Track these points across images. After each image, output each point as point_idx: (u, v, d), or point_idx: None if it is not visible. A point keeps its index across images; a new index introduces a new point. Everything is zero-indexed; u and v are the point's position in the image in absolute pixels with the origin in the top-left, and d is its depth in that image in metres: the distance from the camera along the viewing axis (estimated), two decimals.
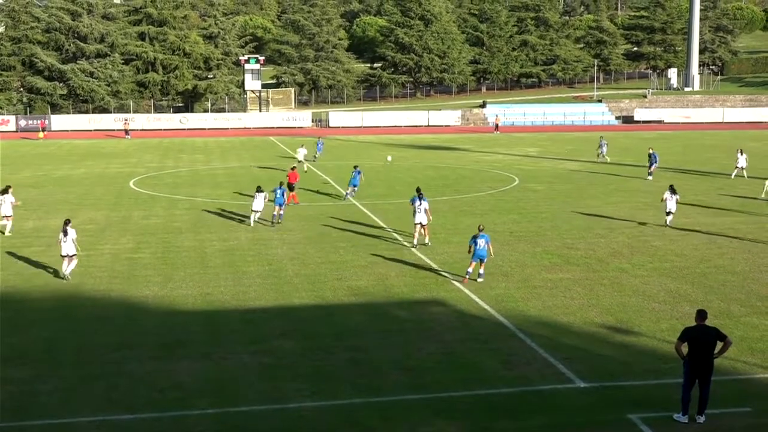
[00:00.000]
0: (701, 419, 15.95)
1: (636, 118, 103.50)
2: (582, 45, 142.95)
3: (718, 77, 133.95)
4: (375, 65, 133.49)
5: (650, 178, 50.67)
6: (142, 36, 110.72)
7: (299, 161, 55.88)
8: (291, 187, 41.16)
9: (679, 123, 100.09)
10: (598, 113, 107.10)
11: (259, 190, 35.84)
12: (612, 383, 17.95)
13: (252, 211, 35.86)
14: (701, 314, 16.20)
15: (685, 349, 15.94)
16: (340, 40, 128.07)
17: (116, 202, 42.73)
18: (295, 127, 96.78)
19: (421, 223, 31.17)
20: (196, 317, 22.95)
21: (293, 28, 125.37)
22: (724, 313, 22.77)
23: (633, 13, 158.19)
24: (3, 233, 33.67)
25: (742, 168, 51.79)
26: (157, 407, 16.85)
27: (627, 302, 24.05)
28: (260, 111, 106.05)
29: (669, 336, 20.26)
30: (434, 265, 28.49)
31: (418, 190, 32.58)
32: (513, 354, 19.81)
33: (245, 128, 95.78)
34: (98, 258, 29.82)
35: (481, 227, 26.64)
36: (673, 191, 35.31)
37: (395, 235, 33.83)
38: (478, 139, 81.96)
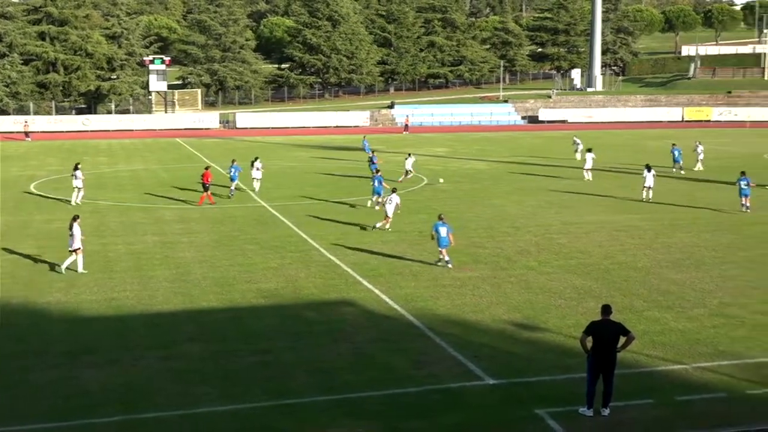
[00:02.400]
0: (606, 412, 16.31)
1: (541, 118, 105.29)
2: (488, 46, 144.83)
3: (620, 78, 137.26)
4: (283, 66, 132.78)
5: (682, 172, 53.54)
6: (42, 36, 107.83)
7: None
8: (205, 187, 41.16)
9: (582, 123, 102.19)
10: (505, 113, 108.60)
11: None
12: (520, 379, 18.21)
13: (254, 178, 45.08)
14: (605, 309, 16.57)
15: (589, 343, 16.27)
16: (247, 40, 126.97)
17: (16, 206, 41.52)
18: (201, 129, 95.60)
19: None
20: (101, 323, 22.46)
21: (199, 28, 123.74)
22: (627, 307, 23.33)
23: (537, 15, 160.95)
24: None
25: (700, 159, 55.78)
26: (63, 416, 16.41)
27: (534, 299, 24.44)
28: (166, 112, 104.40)
29: (575, 332, 20.64)
30: (344, 266, 28.47)
31: (440, 216, 29.26)
32: (423, 353, 19.93)
33: (151, 130, 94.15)
34: None
35: (441, 216, 28.19)
36: (648, 169, 42.46)
37: (305, 236, 33.70)
38: (387, 140, 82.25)
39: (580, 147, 61.16)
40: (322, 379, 18.36)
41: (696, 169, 55.27)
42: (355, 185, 48.92)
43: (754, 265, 28.56)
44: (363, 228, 34.85)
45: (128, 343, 20.83)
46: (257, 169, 46.06)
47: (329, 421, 16.19)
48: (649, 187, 42.24)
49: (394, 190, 35.47)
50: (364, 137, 64.84)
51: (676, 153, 54.77)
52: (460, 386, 17.87)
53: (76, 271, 27.60)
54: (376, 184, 39.66)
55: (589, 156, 51.23)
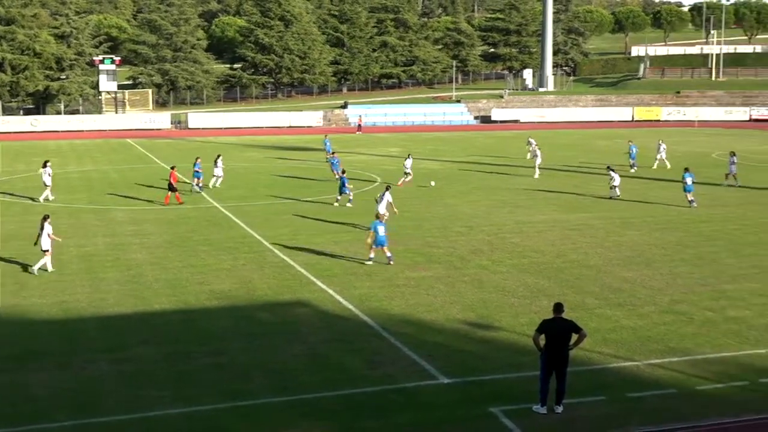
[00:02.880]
0: (559, 409, 16.45)
1: (493, 118, 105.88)
2: (440, 46, 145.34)
3: (571, 78, 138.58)
4: (235, 66, 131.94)
5: (633, 170, 54.13)
6: None
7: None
8: (172, 188, 41.41)
9: (534, 122, 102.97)
10: (458, 113, 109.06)
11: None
12: (474, 378, 18.30)
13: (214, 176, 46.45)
14: (557, 307, 16.72)
15: (542, 341, 16.41)
16: (198, 40, 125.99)
17: None
18: (153, 129, 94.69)
19: None
20: (51, 326, 22.15)
21: (150, 28, 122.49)
22: (579, 305, 23.56)
23: (489, 15, 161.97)
24: None
25: (663, 158, 56.64)
26: (10, 422, 16.15)
27: (488, 298, 24.57)
28: (116, 113, 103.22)
29: (528, 330, 20.78)
30: (298, 267, 28.39)
31: (377, 216, 30.87)
32: (377, 353, 19.94)
33: (101, 130, 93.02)
34: None
35: (377, 214, 28.91)
36: (611, 169, 44.08)
37: (258, 237, 33.54)
38: (341, 140, 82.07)
39: (533, 147, 61.30)
40: (276, 380, 18.30)
41: (654, 167, 55.94)
42: (308, 185, 48.79)
43: (703, 262, 29.01)
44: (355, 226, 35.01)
45: (79, 346, 20.57)
46: (218, 166, 47.64)
47: (284, 422, 16.15)
48: (617, 186, 43.06)
49: (387, 188, 35.58)
50: (326, 136, 64.49)
51: (633, 151, 55.34)
52: (415, 385, 17.92)
53: (47, 271, 27.47)
54: (343, 182, 40.33)
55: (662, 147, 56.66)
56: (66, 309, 23.62)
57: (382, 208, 33.86)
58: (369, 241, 28.59)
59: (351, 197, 40.99)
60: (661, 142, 58.91)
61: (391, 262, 28.39)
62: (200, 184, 45.77)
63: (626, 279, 26.70)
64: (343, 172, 41.78)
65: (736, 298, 24.50)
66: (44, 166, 43.35)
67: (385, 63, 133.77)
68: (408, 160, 49.88)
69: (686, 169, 41.45)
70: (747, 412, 16.50)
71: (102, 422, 16.19)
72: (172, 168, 43.13)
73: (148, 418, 16.35)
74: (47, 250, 27.69)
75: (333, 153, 56.22)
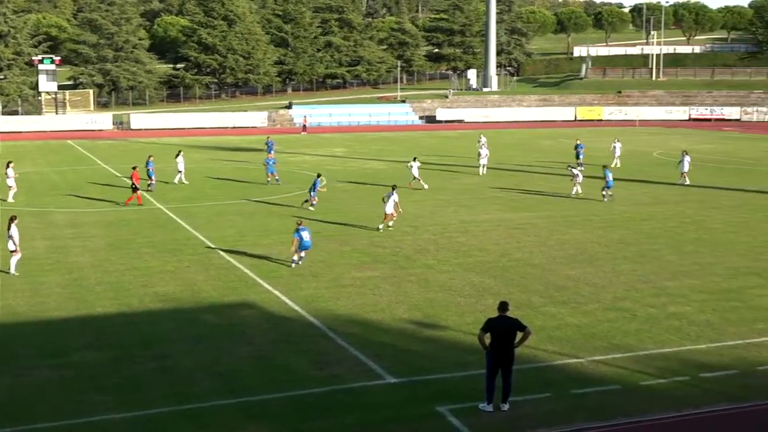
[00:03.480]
0: (505, 407, 16.55)
1: (438, 118, 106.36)
2: (385, 46, 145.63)
3: (514, 78, 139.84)
4: (178, 66, 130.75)
5: (581, 169, 54.12)
6: None
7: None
8: (135, 188, 41.13)
9: (479, 122, 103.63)
10: (403, 113, 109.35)
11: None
12: (421, 377, 18.34)
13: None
14: (502, 306, 16.83)
15: (487, 339, 16.50)
16: (140, 40, 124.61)
17: None
18: (95, 130, 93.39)
19: None
20: None
21: (90, 27, 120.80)
22: (524, 303, 23.74)
23: (433, 16, 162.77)
24: None
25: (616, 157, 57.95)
26: None
27: (434, 297, 24.65)
28: (57, 113, 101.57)
29: (474, 329, 20.83)
30: (243, 268, 28.20)
31: (299, 222, 30.62)
32: (324, 353, 19.88)
33: (41, 132, 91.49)
34: None
35: (299, 222, 28.65)
36: (571, 167, 45.47)
37: (203, 239, 33.25)
38: (285, 140, 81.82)
39: (482, 143, 61.34)
40: (222, 382, 18.14)
41: (614, 165, 56.56)
42: (253, 186, 48.49)
43: (645, 259, 29.43)
44: (377, 229, 34.71)
45: (17, 352, 20.16)
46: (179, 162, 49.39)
47: (231, 425, 16.01)
48: (579, 183, 44.00)
49: (394, 188, 35.40)
50: (268, 138, 63.93)
51: (581, 150, 55.80)
52: (362, 386, 17.90)
53: (8, 272, 27.24)
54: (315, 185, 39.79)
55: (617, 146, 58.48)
56: (4, 314, 23.13)
57: (389, 208, 34.31)
58: (293, 248, 28.22)
59: (314, 202, 40.30)
60: (616, 141, 59.74)
61: (293, 265, 28.17)
62: (152, 183, 46.26)
63: (570, 277, 26.98)
64: (318, 176, 41.12)
65: (677, 294, 24.90)
66: (7, 167, 43.75)
67: (330, 63, 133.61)
68: (414, 163, 47.69)
69: (604, 167, 44.27)
70: (688, 406, 16.77)
71: (42, 428, 15.89)
72: (134, 168, 42.71)
73: (90, 424, 16.08)
74: (14, 250, 27.56)
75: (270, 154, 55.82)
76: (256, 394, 17.47)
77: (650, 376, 18.42)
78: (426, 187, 46.57)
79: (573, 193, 43.52)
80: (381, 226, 34.65)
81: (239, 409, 16.73)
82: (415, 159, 48.77)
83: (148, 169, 46.17)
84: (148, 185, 45.88)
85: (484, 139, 61.13)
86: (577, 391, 17.52)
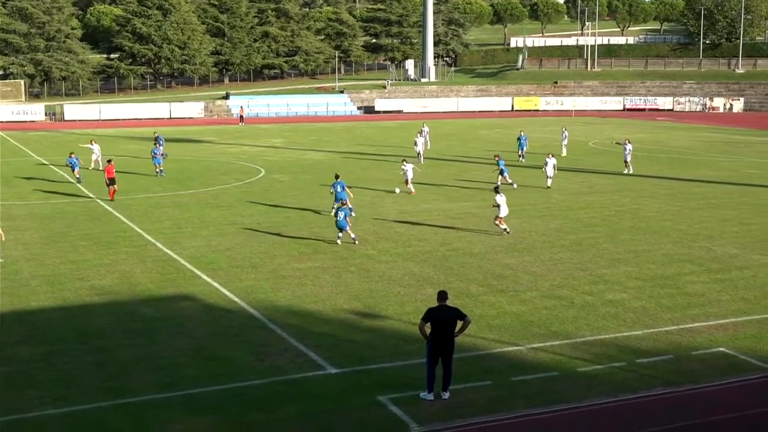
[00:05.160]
0: (446, 395, 16.64)
1: (377, 109, 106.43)
2: (323, 37, 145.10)
3: (452, 68, 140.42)
4: (112, 56, 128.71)
5: (522, 160, 54.62)
6: None
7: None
8: (111, 181, 39.99)
9: (417, 113, 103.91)
10: (341, 104, 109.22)
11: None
12: (361, 367, 18.34)
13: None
14: (442, 295, 16.90)
15: (428, 329, 16.56)
16: (73, 29, 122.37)
17: None
18: (27, 121, 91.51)
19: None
20: None
21: (20, 16, 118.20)
22: (464, 293, 23.88)
23: (371, 6, 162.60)
24: None
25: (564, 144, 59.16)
26: None
27: (374, 288, 24.66)
28: None
29: (414, 318, 20.93)
30: (182, 260, 27.90)
31: (495, 188, 33.26)
32: (264, 345, 19.77)
33: None
34: None
35: (343, 202, 30.43)
36: (551, 156, 44.33)
37: (140, 231, 32.80)
38: (223, 131, 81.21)
39: (425, 132, 61.07)
40: (161, 375, 17.93)
41: (563, 154, 57.11)
42: (191, 178, 48.00)
43: (581, 247, 29.81)
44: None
45: None
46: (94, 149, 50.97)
47: (170, 419, 15.83)
48: (550, 176, 43.38)
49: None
50: (155, 132, 62.36)
51: (523, 140, 56.04)
52: (303, 376, 17.84)
53: None
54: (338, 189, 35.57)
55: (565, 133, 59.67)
56: None
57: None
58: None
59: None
60: (564, 129, 60.47)
61: (357, 242, 29.99)
62: (79, 175, 45.54)
63: (508, 266, 27.21)
64: (337, 177, 38.65)
65: (613, 281, 25.27)
66: None
67: (267, 53, 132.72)
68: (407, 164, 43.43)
69: (496, 156, 44.99)
70: (625, 391, 17.03)
71: None
72: (109, 161, 41.51)
73: (25, 420, 15.77)
74: None
75: (156, 144, 53.40)
76: (195, 387, 17.30)
77: (588, 362, 18.68)
78: (398, 191, 41.48)
79: (549, 184, 43.44)
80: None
81: (178, 403, 16.55)
82: (403, 161, 43.75)
83: (71, 165, 45.75)
84: (78, 178, 45.38)
85: (426, 129, 61.34)
86: (516, 379, 17.69)
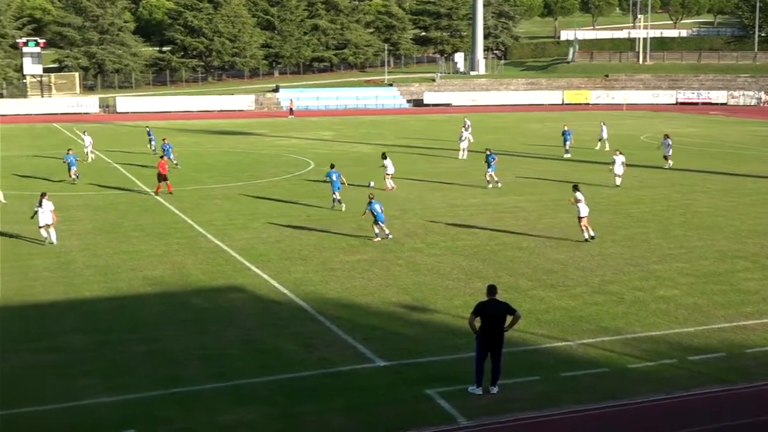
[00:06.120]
0: (494, 390, 16.59)
1: (426, 102, 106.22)
2: (372, 30, 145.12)
3: (502, 62, 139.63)
4: (164, 49, 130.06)
5: (567, 155, 53.51)
6: None
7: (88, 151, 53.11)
8: (162, 177, 39.40)
9: (466, 106, 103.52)
10: (390, 97, 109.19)
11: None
12: (410, 360, 18.34)
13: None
14: (491, 289, 16.84)
15: (478, 323, 16.52)
16: (126, 22, 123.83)
17: None
18: (81, 113, 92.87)
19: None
20: None
21: (75, 9, 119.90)
22: (513, 287, 23.77)
23: None
24: None
25: (604, 140, 57.86)
26: None
27: (422, 281, 24.65)
28: (42, 96, 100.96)
29: (463, 312, 20.90)
30: (232, 252, 28.13)
31: (575, 186, 30.98)
32: (313, 337, 19.87)
33: (26, 115, 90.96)
34: None
35: (371, 195, 30.05)
36: (619, 153, 42.01)
37: (191, 222, 33.14)
38: (273, 124, 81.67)
39: (468, 128, 61.31)
40: (211, 366, 18.11)
41: (597, 148, 56.71)
42: (241, 170, 48.37)
43: (632, 243, 29.49)
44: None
45: (5, 335, 20.08)
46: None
47: (220, 409, 15.98)
48: (618, 174, 41.35)
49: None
50: (148, 127, 62.63)
51: (568, 135, 55.49)
52: (351, 369, 17.90)
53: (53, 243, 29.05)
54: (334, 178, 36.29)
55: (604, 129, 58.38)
56: None
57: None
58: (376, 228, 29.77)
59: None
60: (603, 123, 59.87)
61: (390, 237, 29.61)
62: (76, 174, 43.97)
63: (558, 260, 27.02)
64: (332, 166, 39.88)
65: (664, 277, 24.97)
66: None
67: (317, 46, 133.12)
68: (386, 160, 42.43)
69: (487, 149, 43.28)
70: (676, 389, 16.84)
71: (32, 412, 15.85)
72: (161, 157, 41.54)
73: (79, 407, 16.04)
74: (46, 225, 29.19)
75: (164, 139, 52.26)
76: (244, 377, 17.45)
77: (638, 358, 18.49)
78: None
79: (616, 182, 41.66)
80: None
81: (228, 393, 16.71)
82: (384, 155, 42.71)
83: (71, 161, 43.90)
84: (75, 178, 43.82)
85: (468, 123, 61.19)
86: (566, 374, 17.57)
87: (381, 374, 17.70)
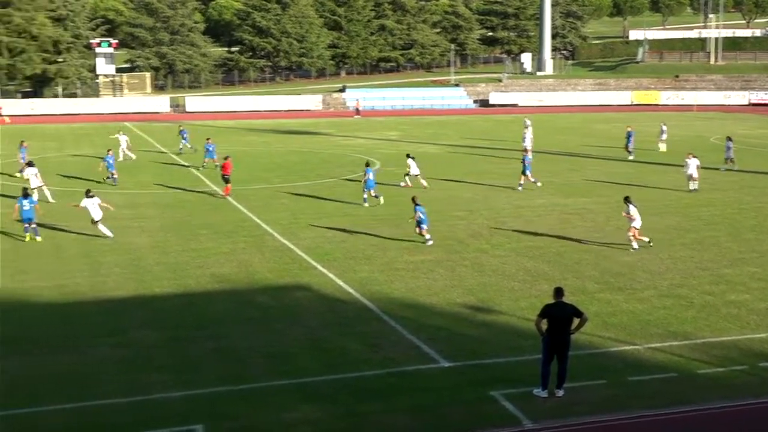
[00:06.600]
0: (560, 393, 16.46)
1: (491, 102, 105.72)
2: (439, 30, 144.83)
3: (569, 62, 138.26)
4: (233, 49, 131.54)
5: (631, 157, 52.64)
6: None
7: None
8: (226, 179, 39.01)
9: (533, 106, 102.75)
10: (456, 97, 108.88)
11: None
12: (474, 362, 18.31)
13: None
14: (558, 291, 16.72)
15: (544, 325, 16.41)
16: (195, 23, 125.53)
17: None
18: (151, 113, 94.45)
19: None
20: (50, 310, 22.16)
21: (146, 10, 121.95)
22: (579, 290, 23.54)
23: None
24: None
25: (663, 141, 57.01)
26: (11, 404, 16.16)
27: (488, 282, 24.56)
28: (114, 96, 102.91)
29: (528, 314, 20.79)
30: (298, 251, 28.37)
31: (626, 198, 29.55)
32: (378, 336, 19.94)
33: (98, 114, 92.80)
34: None
35: (415, 198, 29.65)
36: (692, 156, 40.51)
37: (258, 221, 33.50)
38: (339, 124, 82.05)
39: (529, 128, 60.94)
40: (277, 363, 18.30)
41: (661, 150, 55.92)
42: (307, 169, 48.71)
43: (702, 246, 28.98)
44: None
45: (78, 330, 20.57)
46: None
47: (285, 406, 16.15)
48: (691, 176, 40.12)
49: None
50: (181, 126, 62.49)
51: (631, 136, 54.63)
52: (416, 369, 17.93)
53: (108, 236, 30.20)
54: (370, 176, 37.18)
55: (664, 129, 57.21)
56: (65, 293, 23.61)
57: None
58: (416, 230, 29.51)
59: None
60: (662, 124, 58.95)
61: (430, 242, 29.11)
62: (112, 175, 43.68)
63: (625, 263, 26.69)
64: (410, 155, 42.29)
65: (735, 282, 24.50)
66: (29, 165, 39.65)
67: (383, 47, 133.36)
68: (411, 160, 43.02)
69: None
70: (747, 395, 16.53)
71: (102, 405, 16.21)
72: (226, 158, 40.35)
73: (148, 401, 16.36)
74: (98, 221, 30.16)
75: (208, 139, 51.04)
76: (309, 375, 17.60)
77: (708, 364, 18.19)
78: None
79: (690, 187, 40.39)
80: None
81: (292, 391, 16.87)
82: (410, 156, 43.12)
83: (108, 162, 43.67)
84: (107, 177, 43.62)
85: (528, 122, 60.82)
86: (633, 378, 17.37)
87: (446, 375, 17.70)
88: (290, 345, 19.43)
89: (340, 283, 24.50)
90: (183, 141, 56.71)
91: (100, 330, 20.56)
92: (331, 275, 25.30)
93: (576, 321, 16.45)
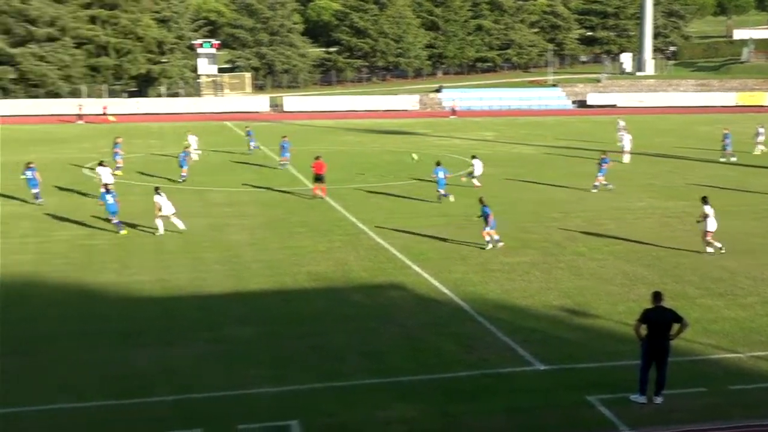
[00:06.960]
0: (658, 400, 16.16)
1: (589, 103, 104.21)
2: (536, 30, 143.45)
3: (671, 62, 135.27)
4: (330, 49, 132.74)
5: (734, 159, 51.74)
6: (93, 20, 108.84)
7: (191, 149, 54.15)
8: (320, 179, 38.84)
9: (632, 107, 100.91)
10: (554, 97, 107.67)
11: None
12: (570, 365, 18.11)
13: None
14: (657, 296, 16.40)
15: (643, 330, 16.12)
16: (294, 24, 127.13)
17: (70, 188, 42.06)
18: (251, 112, 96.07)
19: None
20: (152, 304, 22.76)
21: (247, 11, 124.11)
22: (679, 295, 23.05)
23: None
24: None
25: (759, 142, 55.82)
26: (116, 395, 16.69)
27: (584, 285, 24.26)
28: (215, 96, 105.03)
29: (626, 318, 20.47)
30: (393, 250, 28.49)
31: (704, 198, 28.89)
32: (472, 337, 19.90)
33: (200, 113, 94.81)
34: (54, 245, 29.44)
35: (482, 199, 29.49)
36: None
37: (354, 220, 33.77)
38: (435, 124, 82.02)
39: (622, 129, 60.01)
40: (371, 362, 18.43)
41: (755, 153, 54.46)
42: (403, 169, 48.83)
43: None
44: None
45: (179, 324, 21.09)
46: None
47: (379, 404, 16.26)
48: None
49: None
50: (248, 126, 62.54)
51: (728, 139, 53.16)
52: (510, 371, 17.84)
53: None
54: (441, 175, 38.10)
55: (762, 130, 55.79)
56: (167, 288, 24.23)
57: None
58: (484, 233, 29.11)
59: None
60: (759, 126, 57.22)
61: (499, 245, 28.75)
62: (185, 174, 44.07)
63: (727, 268, 26.02)
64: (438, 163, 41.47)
65: None
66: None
67: (480, 47, 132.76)
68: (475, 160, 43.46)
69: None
70: None
71: (201, 398, 16.59)
72: (317, 158, 39.74)
73: (245, 396, 16.68)
74: (169, 214, 31.24)
75: (284, 137, 51.28)
76: (404, 375, 17.68)
77: None
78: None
79: None
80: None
81: (387, 389, 16.97)
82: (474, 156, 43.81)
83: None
84: (183, 177, 44.04)
85: (622, 123, 59.84)
86: (734, 387, 16.94)
87: (541, 378, 17.56)
88: (385, 344, 19.55)
89: (435, 283, 24.53)
90: (250, 142, 57.28)
91: (200, 325, 21.03)
92: (425, 275, 25.35)
93: (676, 327, 16.12)
